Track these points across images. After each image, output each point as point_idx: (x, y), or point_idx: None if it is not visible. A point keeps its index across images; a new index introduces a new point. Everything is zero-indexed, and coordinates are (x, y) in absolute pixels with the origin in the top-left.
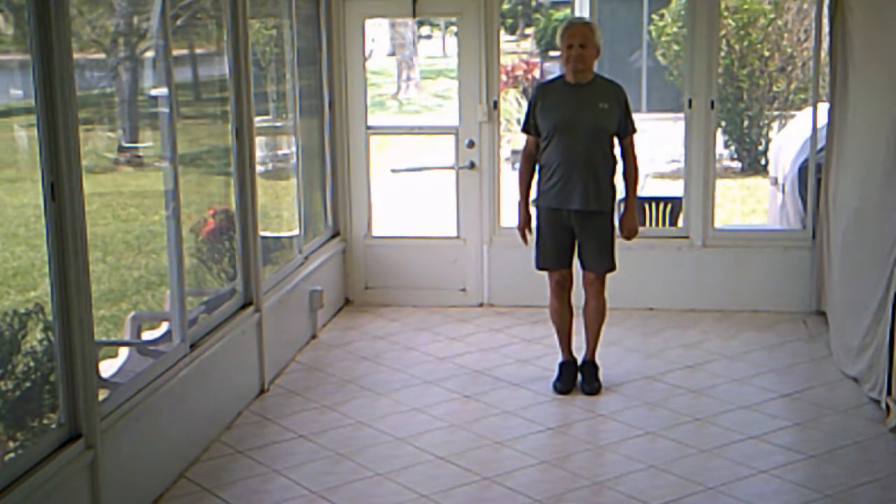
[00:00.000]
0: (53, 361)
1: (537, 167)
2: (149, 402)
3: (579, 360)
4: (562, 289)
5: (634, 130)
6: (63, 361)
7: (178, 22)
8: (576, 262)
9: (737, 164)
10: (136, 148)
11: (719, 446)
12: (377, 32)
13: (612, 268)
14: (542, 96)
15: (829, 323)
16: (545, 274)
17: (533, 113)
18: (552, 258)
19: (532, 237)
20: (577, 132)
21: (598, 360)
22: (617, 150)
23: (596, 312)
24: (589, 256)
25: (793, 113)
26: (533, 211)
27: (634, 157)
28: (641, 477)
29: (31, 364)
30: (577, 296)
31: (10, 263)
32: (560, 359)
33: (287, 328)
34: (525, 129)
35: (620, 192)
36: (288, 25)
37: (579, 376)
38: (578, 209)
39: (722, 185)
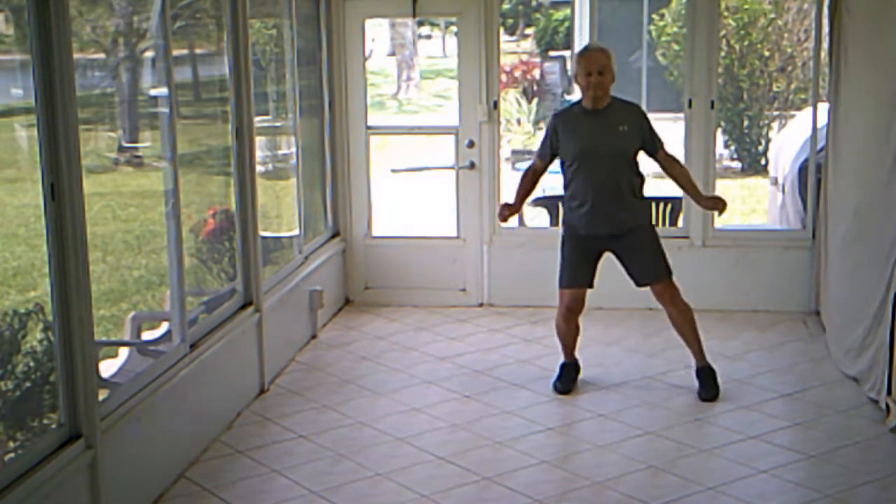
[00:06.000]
0: (53, 361)
1: (565, 196)
2: (149, 402)
3: (694, 368)
4: (571, 313)
5: (662, 144)
6: (63, 361)
7: (178, 22)
8: (595, 280)
9: (737, 164)
10: (136, 148)
11: (719, 446)
12: (377, 32)
13: (670, 271)
14: (560, 125)
15: (826, 323)
16: (548, 273)
17: (550, 141)
18: (567, 278)
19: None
20: (599, 158)
21: (710, 362)
22: (643, 167)
23: (681, 318)
24: (642, 270)
25: (793, 113)
26: (537, 210)
27: (675, 161)
28: (641, 477)
29: (31, 364)
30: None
31: (10, 263)
32: (562, 359)
33: (287, 328)
34: (537, 154)
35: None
36: (288, 25)
37: (696, 383)
38: (608, 233)
39: (722, 185)
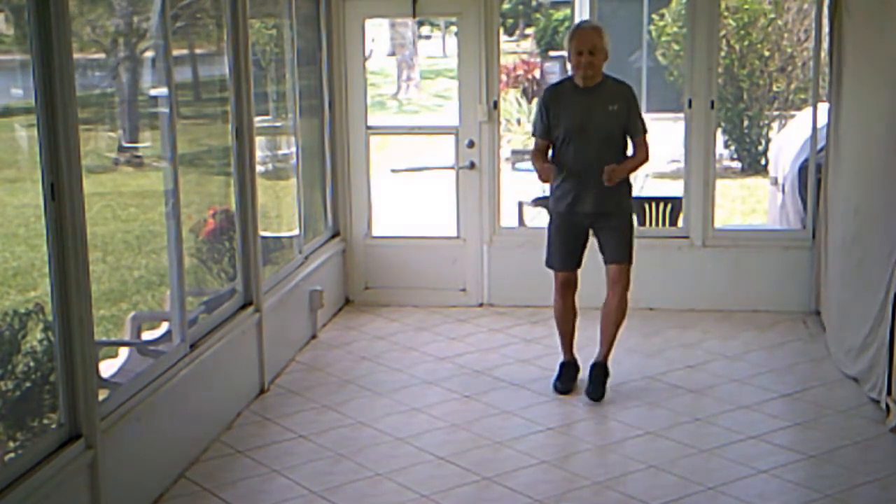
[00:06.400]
0: (53, 361)
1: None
2: (149, 402)
3: (591, 361)
4: (566, 289)
5: (645, 131)
6: (63, 361)
7: (178, 22)
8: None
9: (737, 164)
10: (136, 148)
11: (719, 446)
12: (377, 32)
13: (631, 260)
14: (552, 100)
15: (825, 323)
16: (548, 274)
17: (544, 116)
18: (559, 259)
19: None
20: (588, 136)
21: (609, 365)
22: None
23: (615, 312)
24: (609, 249)
25: (793, 113)
26: (537, 210)
27: (646, 150)
28: (641, 477)
29: (31, 364)
30: (582, 297)
31: (10, 263)
32: (561, 359)
33: (287, 328)
34: (535, 133)
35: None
36: (288, 25)
37: (586, 379)
38: (592, 211)
39: (722, 185)
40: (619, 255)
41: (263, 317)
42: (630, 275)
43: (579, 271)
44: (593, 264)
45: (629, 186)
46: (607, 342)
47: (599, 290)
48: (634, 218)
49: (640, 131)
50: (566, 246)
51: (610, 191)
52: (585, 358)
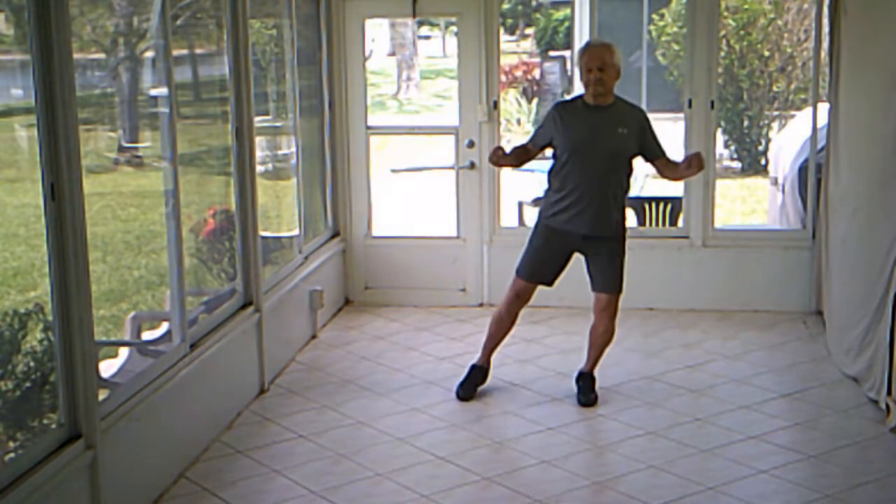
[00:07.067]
0: (53, 361)
1: (549, 187)
2: (149, 402)
3: (577, 370)
4: (516, 303)
5: (664, 152)
6: (63, 361)
7: (178, 22)
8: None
9: (737, 164)
10: (136, 148)
11: (719, 446)
12: (377, 32)
13: (622, 288)
14: (559, 116)
15: (827, 323)
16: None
17: (545, 128)
18: (530, 268)
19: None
20: (593, 155)
21: (595, 374)
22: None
23: (603, 336)
24: (601, 277)
25: (793, 113)
26: (536, 210)
27: (671, 164)
28: (641, 477)
29: (31, 364)
30: (567, 296)
31: (10, 263)
32: (476, 360)
33: (287, 328)
34: (530, 139)
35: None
36: (288, 25)
37: (575, 387)
38: (587, 234)
39: (722, 185)
40: (610, 285)
41: (263, 317)
42: (619, 303)
43: (586, 295)
44: (579, 264)
45: (624, 213)
46: (594, 357)
47: (584, 287)
48: (626, 245)
49: (659, 154)
50: (545, 259)
51: (606, 213)
52: (573, 364)
